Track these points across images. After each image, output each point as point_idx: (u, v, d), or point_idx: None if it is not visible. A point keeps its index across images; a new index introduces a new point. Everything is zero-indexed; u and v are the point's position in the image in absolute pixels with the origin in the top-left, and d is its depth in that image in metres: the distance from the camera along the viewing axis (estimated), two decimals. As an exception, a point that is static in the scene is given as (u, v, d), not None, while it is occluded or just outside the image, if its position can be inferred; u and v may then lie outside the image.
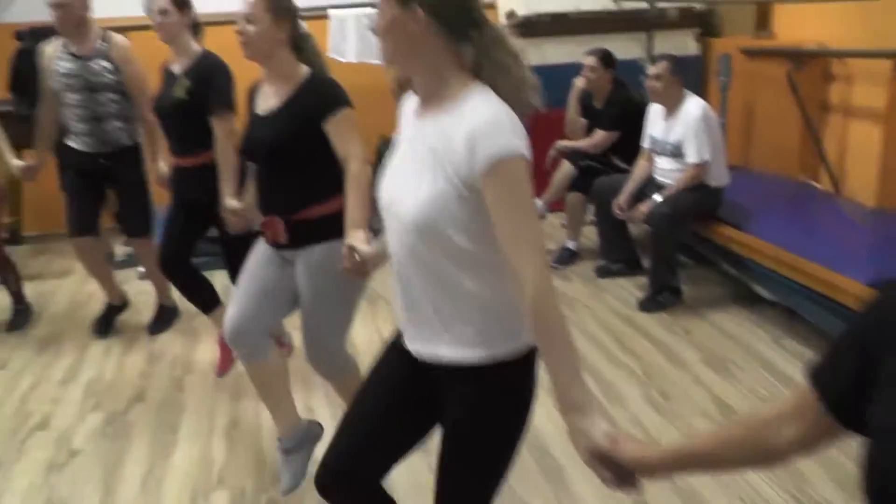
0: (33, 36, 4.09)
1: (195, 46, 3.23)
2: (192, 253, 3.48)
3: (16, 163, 3.83)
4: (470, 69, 1.50)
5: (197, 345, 3.97)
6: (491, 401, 1.55)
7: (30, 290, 4.59)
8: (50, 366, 3.85)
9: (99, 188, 3.83)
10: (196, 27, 3.32)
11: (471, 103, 1.45)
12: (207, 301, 3.56)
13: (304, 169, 2.42)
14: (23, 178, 4.03)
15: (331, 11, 5.04)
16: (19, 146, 4.02)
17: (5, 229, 5.22)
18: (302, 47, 2.47)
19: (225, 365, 3.54)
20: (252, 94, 2.57)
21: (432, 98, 1.52)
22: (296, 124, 2.36)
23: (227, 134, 3.06)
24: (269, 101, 2.46)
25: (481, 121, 1.41)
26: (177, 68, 3.21)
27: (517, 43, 1.54)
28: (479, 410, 1.55)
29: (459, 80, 1.49)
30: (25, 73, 4.08)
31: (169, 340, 3.99)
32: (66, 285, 4.92)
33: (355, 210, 2.32)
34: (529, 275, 1.39)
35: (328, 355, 2.56)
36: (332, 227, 2.36)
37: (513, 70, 1.50)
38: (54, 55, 3.64)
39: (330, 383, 2.72)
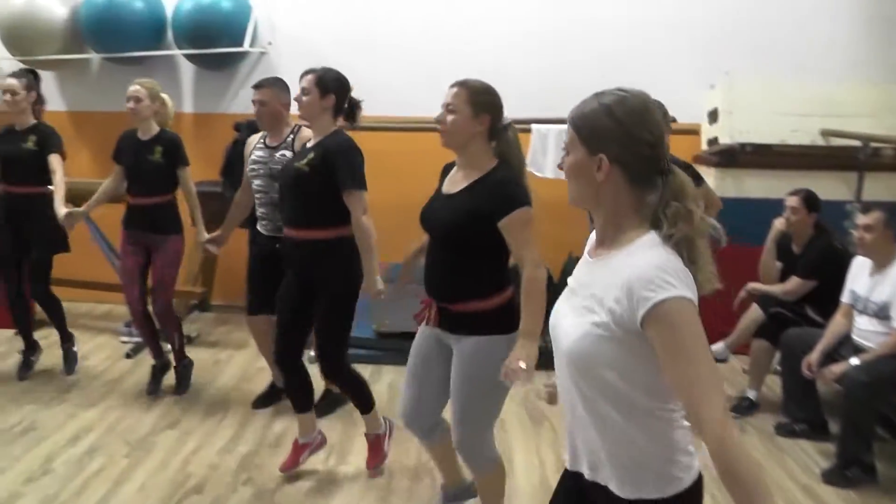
0: (249, 127, 4.56)
1: (332, 127, 3.37)
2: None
3: (204, 235, 4.28)
4: (649, 215, 1.53)
5: (354, 435, 4.08)
6: None
7: (207, 355, 4.99)
8: (213, 433, 4.12)
9: (277, 271, 4.09)
10: (352, 112, 3.46)
11: (639, 251, 1.49)
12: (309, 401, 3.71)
13: (473, 258, 2.56)
14: (203, 250, 4.47)
15: (533, 126, 5.23)
16: (219, 225, 4.42)
17: (196, 297, 5.74)
18: (500, 138, 2.64)
19: (291, 463, 3.68)
20: (444, 173, 2.80)
21: (607, 240, 1.58)
22: (472, 213, 2.51)
23: (363, 212, 3.24)
24: (455, 184, 2.65)
25: (644, 267, 1.45)
26: (309, 144, 3.41)
27: (696, 191, 1.56)
28: None
29: (635, 227, 1.54)
30: (235, 160, 4.54)
31: (327, 425, 4.13)
32: (239, 357, 5.29)
33: (528, 317, 2.46)
34: (706, 416, 1.38)
35: (472, 443, 2.72)
36: (488, 323, 2.54)
37: (695, 216, 1.51)
38: (253, 144, 4.10)
39: (474, 476, 2.89)
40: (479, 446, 2.73)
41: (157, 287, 4.38)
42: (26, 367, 4.78)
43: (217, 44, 5.59)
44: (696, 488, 1.57)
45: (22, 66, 5.91)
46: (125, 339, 5.42)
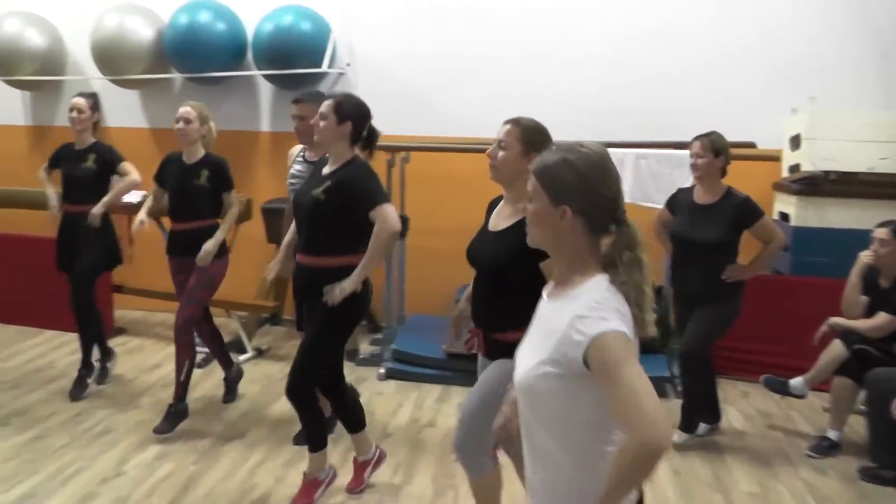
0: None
1: (349, 154, 3.35)
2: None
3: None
4: (602, 261, 1.70)
5: (421, 453, 4.10)
6: None
7: (276, 369, 5.11)
8: (279, 445, 4.19)
9: None
10: (370, 140, 3.43)
11: (586, 292, 1.65)
12: (360, 421, 3.69)
13: (515, 292, 2.64)
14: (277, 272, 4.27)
15: (609, 150, 5.19)
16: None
17: (268, 310, 5.87)
18: None
19: (356, 483, 3.73)
20: (491, 207, 2.92)
21: (563, 282, 1.74)
22: (518, 251, 2.51)
23: (392, 223, 3.24)
24: (501, 220, 2.79)
25: (585, 306, 1.60)
26: (326, 170, 3.39)
27: (643, 241, 1.72)
28: None
29: (589, 270, 1.69)
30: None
31: (392, 446, 4.15)
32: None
33: None
34: (635, 423, 1.48)
35: (471, 444, 2.85)
36: None
37: (644, 265, 1.68)
38: (294, 157, 4.18)
39: (468, 478, 2.95)
40: (477, 449, 2.84)
41: (183, 302, 4.28)
42: (103, 375, 4.97)
43: (296, 64, 5.76)
44: None
45: (112, 84, 6.24)
46: (197, 349, 5.54)
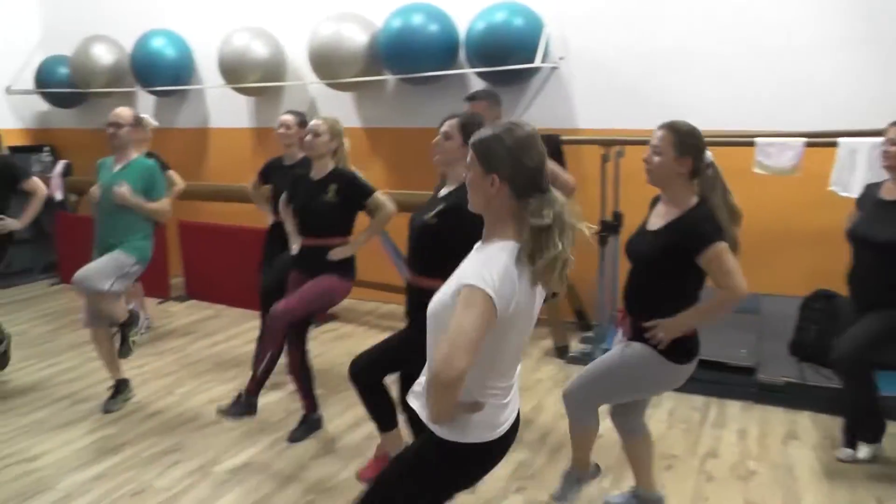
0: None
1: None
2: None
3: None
4: (520, 225, 2.05)
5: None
6: (427, 461, 2.20)
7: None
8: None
9: None
10: None
11: (492, 249, 2.06)
12: (391, 420, 3.56)
13: (667, 287, 2.93)
14: None
15: (840, 140, 4.76)
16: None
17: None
18: (702, 177, 2.93)
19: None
20: (653, 203, 3.12)
21: (486, 241, 2.12)
22: (668, 250, 2.87)
23: None
24: (657, 219, 2.99)
25: (477, 261, 2.06)
26: (443, 192, 3.31)
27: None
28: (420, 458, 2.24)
29: (504, 234, 2.07)
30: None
31: (601, 451, 3.98)
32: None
33: (694, 310, 2.95)
34: (436, 356, 1.92)
35: (578, 398, 3.11)
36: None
37: (553, 229, 2.01)
38: None
39: (570, 424, 3.21)
40: (587, 406, 3.12)
41: (288, 297, 4.04)
42: None
43: (509, 60, 5.78)
44: (463, 449, 2.12)
45: (328, 88, 6.60)
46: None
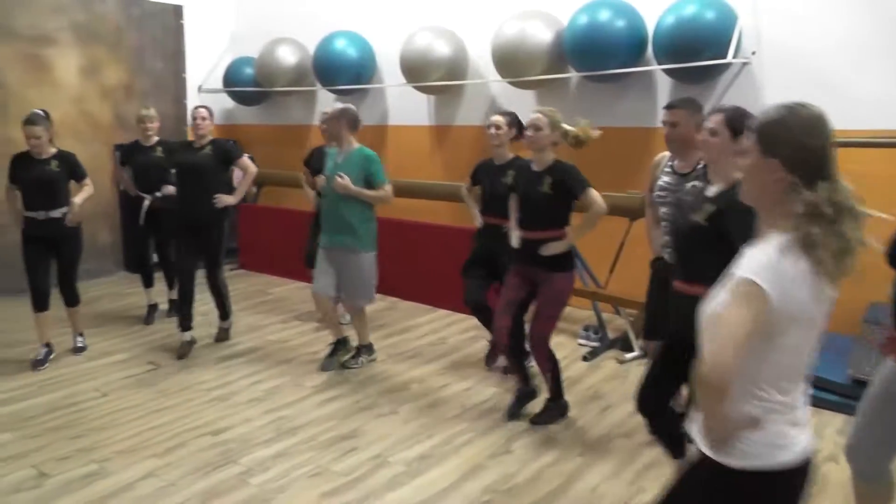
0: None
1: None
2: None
3: None
4: (801, 215, 1.77)
5: (823, 494, 3.55)
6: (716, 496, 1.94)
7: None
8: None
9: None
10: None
11: (763, 243, 1.81)
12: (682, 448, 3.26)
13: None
14: None
15: None
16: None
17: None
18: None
19: None
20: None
21: (762, 230, 1.88)
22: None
23: None
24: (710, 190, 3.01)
25: (753, 252, 1.81)
26: (711, 192, 3.05)
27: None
28: None
29: (775, 227, 1.82)
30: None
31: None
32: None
33: None
34: (707, 351, 1.75)
35: (866, 453, 2.82)
36: None
37: (843, 221, 1.75)
38: (662, 166, 3.84)
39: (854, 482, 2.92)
40: (871, 454, 2.81)
41: (535, 318, 4.16)
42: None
43: (699, 56, 5.50)
44: (751, 480, 1.82)
45: (509, 86, 6.53)
46: (583, 342, 5.62)
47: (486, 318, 4.78)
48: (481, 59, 6.87)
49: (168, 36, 8.32)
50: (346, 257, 4.87)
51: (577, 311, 6.06)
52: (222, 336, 5.73)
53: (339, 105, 4.95)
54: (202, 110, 5.37)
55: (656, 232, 3.81)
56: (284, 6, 8.47)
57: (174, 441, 4.02)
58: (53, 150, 5.14)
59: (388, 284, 6.90)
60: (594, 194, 3.98)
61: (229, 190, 5.42)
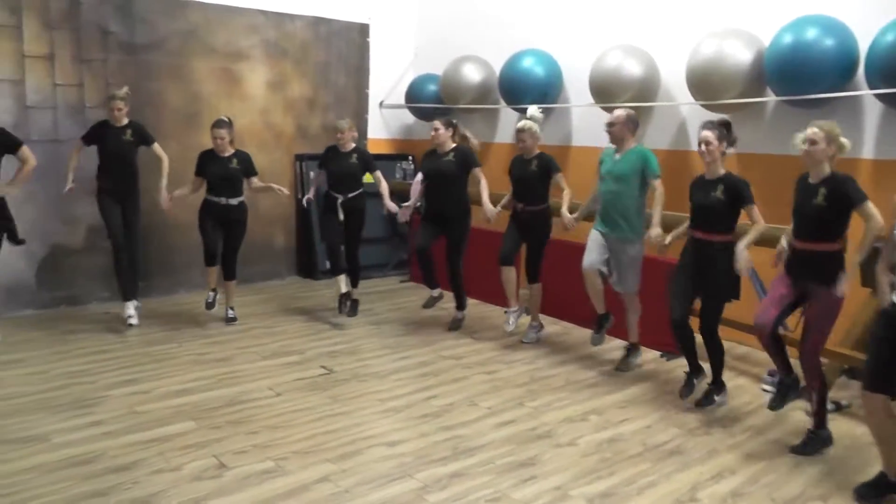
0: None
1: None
2: None
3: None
4: None
5: None
6: None
7: (860, 430, 4.29)
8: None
9: None
10: None
11: None
12: None
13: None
14: None
15: None
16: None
17: (850, 362, 5.09)
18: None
19: None
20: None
21: None
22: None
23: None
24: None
25: None
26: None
27: None
28: None
29: None
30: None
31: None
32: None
33: None
34: None
35: None
36: None
37: None
38: None
39: None
40: None
41: (804, 332, 4.17)
42: (689, 389, 4.86)
43: (923, 80, 4.96)
44: None
45: (701, 108, 6.18)
46: (766, 387, 5.17)
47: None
48: (673, 79, 6.58)
49: (353, 52, 8.59)
50: (622, 245, 5.33)
51: (759, 353, 5.58)
52: (455, 325, 6.41)
53: (621, 110, 5.40)
54: (438, 123, 6.28)
55: (887, 277, 3.58)
56: (469, 24, 8.51)
57: (349, 448, 4.00)
58: (232, 150, 6.21)
59: (562, 309, 6.76)
60: (871, 209, 3.91)
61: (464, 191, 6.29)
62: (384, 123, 9.07)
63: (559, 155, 7.52)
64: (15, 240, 5.69)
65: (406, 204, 6.55)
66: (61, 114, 6.59)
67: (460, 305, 6.43)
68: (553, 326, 6.52)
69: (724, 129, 4.68)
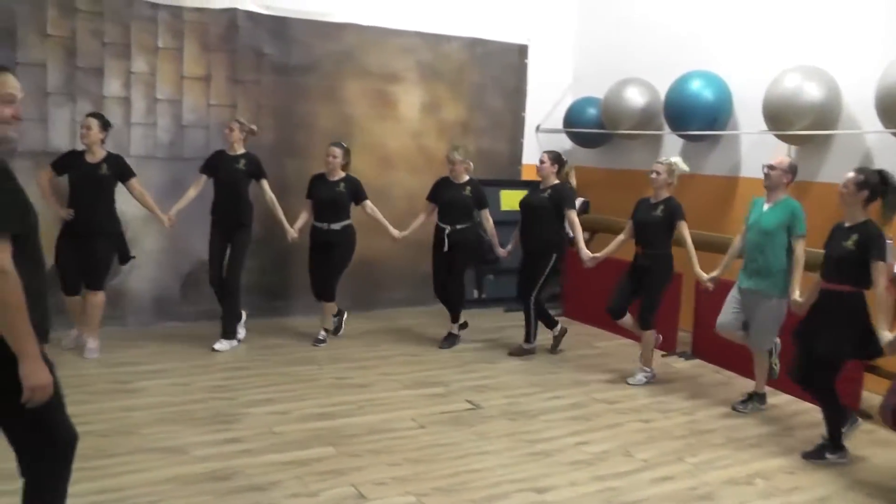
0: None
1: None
2: None
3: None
4: None
5: None
6: None
7: None
8: None
9: None
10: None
11: None
12: None
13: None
14: None
15: None
16: None
17: None
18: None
19: None
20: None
21: None
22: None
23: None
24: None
25: None
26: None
27: None
28: None
29: None
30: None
31: None
32: None
33: None
34: None
35: None
36: None
37: None
38: None
39: None
40: None
41: None
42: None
43: None
44: None
45: (893, 138, 5.68)
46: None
47: None
48: (858, 104, 6.09)
49: (509, 74, 8.57)
50: (761, 301, 5.15)
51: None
52: (517, 351, 6.51)
53: (786, 157, 5.51)
54: (545, 156, 6.42)
55: None
56: (631, 45, 8.25)
57: (494, 490, 3.87)
58: (342, 174, 6.44)
59: (722, 356, 6.35)
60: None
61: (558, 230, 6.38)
62: (540, 148, 8.89)
63: (725, 186, 7.23)
64: (125, 259, 6.00)
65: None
66: (213, 132, 6.93)
67: (528, 338, 6.48)
68: (715, 375, 6.17)
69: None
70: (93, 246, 5.75)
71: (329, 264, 6.42)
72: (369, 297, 7.75)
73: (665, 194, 5.72)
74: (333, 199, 6.34)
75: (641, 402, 5.40)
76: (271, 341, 6.45)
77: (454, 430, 4.66)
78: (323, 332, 6.55)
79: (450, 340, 6.64)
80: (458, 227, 6.49)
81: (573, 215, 6.27)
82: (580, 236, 6.23)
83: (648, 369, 5.89)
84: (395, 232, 6.62)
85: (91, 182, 5.75)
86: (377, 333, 6.82)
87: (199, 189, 6.22)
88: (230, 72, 7.05)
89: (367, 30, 7.66)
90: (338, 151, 6.35)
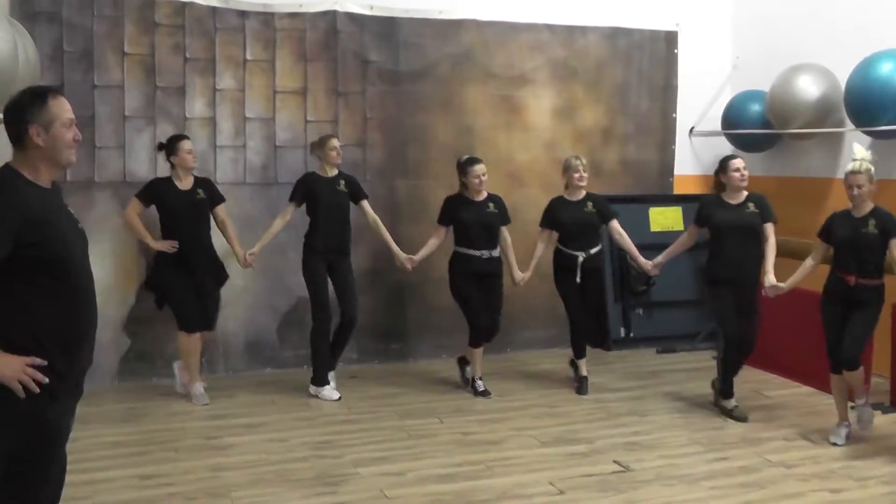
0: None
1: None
2: None
3: None
4: None
5: None
6: None
7: None
8: None
9: None
10: None
11: None
12: None
13: None
14: None
15: None
16: None
17: None
18: None
19: None
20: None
21: None
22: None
23: None
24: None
25: None
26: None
27: None
28: None
29: None
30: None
31: None
32: None
33: None
34: None
35: None
36: None
37: None
38: None
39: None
40: None
41: None
42: None
43: None
44: None
45: None
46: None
47: None
48: None
49: (657, 68, 8.37)
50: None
51: None
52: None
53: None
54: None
55: None
56: (803, 24, 7.82)
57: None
58: (486, 194, 6.39)
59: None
60: None
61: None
62: (694, 155, 8.60)
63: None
64: (160, 304, 6.16)
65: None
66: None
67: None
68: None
69: None
70: (203, 279, 6.01)
71: (494, 301, 6.43)
72: (499, 337, 7.51)
73: (870, 205, 5.26)
74: (488, 222, 6.32)
75: (828, 467, 5.03)
76: (385, 390, 6.44)
77: (600, 496, 4.53)
78: (480, 381, 6.46)
79: (585, 384, 6.49)
80: (592, 251, 6.40)
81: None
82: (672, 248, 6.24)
83: (862, 399, 5.41)
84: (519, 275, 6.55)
85: (190, 209, 6.01)
86: (508, 380, 6.72)
87: (286, 220, 6.27)
88: (330, 83, 7.14)
89: (488, 26, 7.64)
90: (484, 168, 6.34)
